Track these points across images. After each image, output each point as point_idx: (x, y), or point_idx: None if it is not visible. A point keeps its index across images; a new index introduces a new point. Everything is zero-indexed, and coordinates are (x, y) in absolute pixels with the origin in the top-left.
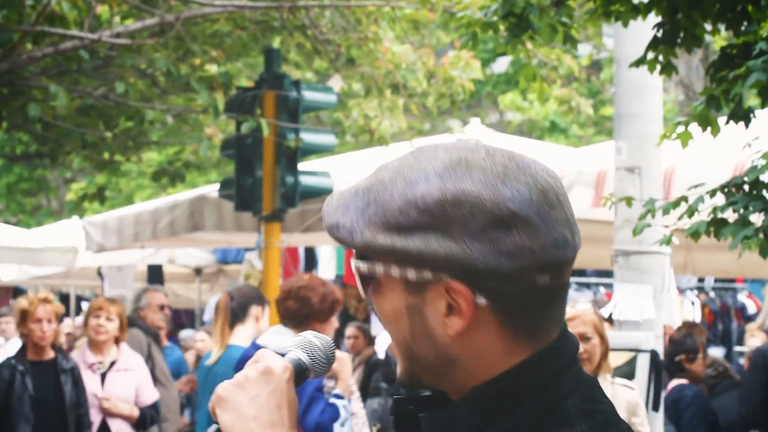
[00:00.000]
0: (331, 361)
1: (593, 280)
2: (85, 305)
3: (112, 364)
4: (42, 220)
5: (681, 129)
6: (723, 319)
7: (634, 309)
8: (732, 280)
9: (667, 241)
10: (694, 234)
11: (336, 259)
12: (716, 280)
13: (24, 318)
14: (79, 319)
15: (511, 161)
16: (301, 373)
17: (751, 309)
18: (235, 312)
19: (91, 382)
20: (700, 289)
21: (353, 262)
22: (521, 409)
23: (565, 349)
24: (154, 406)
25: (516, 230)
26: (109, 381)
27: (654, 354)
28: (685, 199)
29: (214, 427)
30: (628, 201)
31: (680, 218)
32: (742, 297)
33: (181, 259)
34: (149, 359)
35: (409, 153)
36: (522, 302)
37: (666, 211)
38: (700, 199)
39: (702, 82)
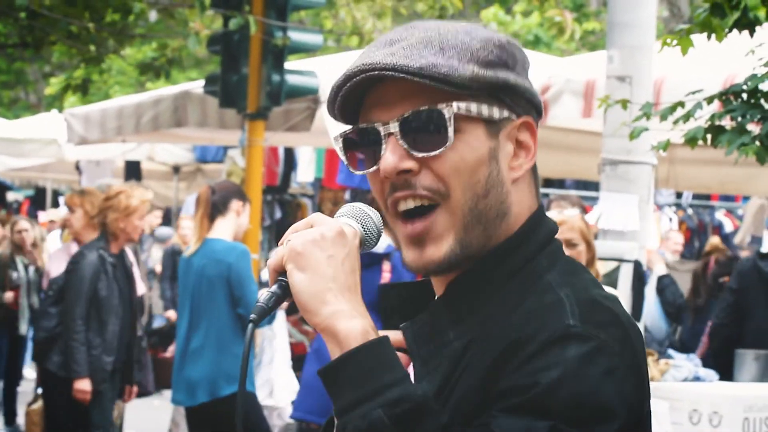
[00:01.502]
0: (380, 236)
1: (572, 192)
2: (61, 199)
3: None
4: (19, 113)
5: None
6: (699, 237)
7: (619, 219)
8: (708, 198)
9: (665, 146)
10: (691, 140)
11: (315, 161)
12: (694, 197)
13: (128, 212)
14: (55, 212)
15: None
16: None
17: (728, 227)
18: (216, 205)
19: None
20: (678, 206)
21: (443, 109)
22: (508, 287)
23: (547, 220)
24: (141, 299)
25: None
26: None
27: (638, 264)
28: (681, 104)
29: (280, 282)
30: (624, 104)
31: (676, 123)
32: (720, 215)
33: (160, 156)
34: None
35: (413, 25)
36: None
37: (663, 117)
38: (699, 105)
39: None
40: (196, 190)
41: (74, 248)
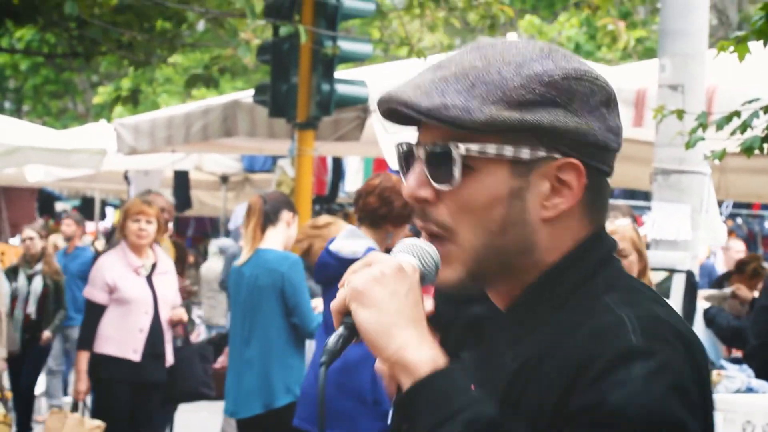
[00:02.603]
0: (439, 268)
1: (621, 202)
2: (109, 210)
3: (153, 266)
4: (67, 123)
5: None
6: (749, 246)
7: (671, 228)
8: (750, 206)
9: (721, 155)
10: (748, 149)
11: (363, 171)
12: (734, 206)
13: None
14: (103, 223)
15: None
16: None
17: None
18: (268, 214)
19: (138, 284)
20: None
21: (452, 147)
22: (565, 308)
23: (606, 239)
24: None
25: (616, 109)
26: (158, 285)
27: (690, 274)
28: (737, 114)
29: (343, 324)
30: (679, 114)
31: (733, 133)
32: None
33: (208, 166)
34: None
35: (475, 49)
36: (606, 184)
37: (720, 126)
38: (755, 114)
39: (735, 6)
40: (245, 199)
41: None
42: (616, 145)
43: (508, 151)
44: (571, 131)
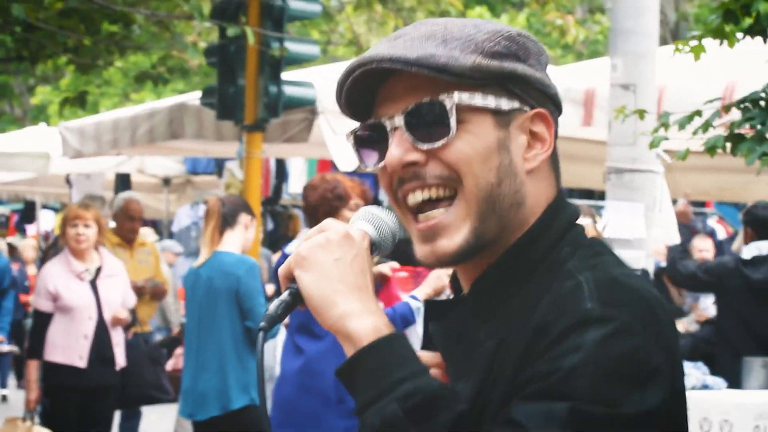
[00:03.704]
0: (396, 239)
1: (578, 201)
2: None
3: (98, 270)
4: (4, 126)
5: (694, 42)
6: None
7: (625, 227)
8: (702, 204)
9: (685, 155)
10: (711, 149)
11: (307, 172)
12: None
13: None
14: (43, 226)
15: None
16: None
17: (721, 234)
18: (226, 217)
19: (81, 290)
20: None
21: (444, 99)
22: (532, 280)
23: (569, 205)
24: (134, 310)
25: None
26: (102, 288)
27: (644, 273)
28: (699, 113)
29: (290, 289)
30: (641, 114)
31: (695, 133)
32: (712, 222)
33: (150, 168)
34: None
35: (423, 22)
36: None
37: (682, 126)
38: (717, 113)
39: (672, 5)
40: (186, 201)
41: None
42: (560, 105)
43: (491, 100)
44: (538, 81)
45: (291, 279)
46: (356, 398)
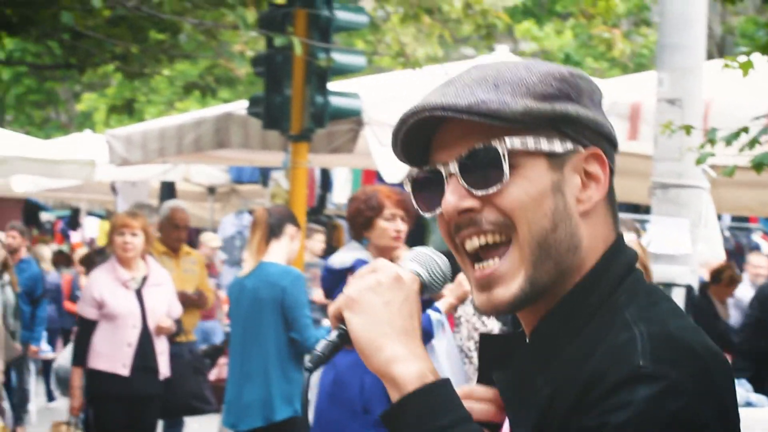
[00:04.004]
0: (447, 280)
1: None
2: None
3: (144, 279)
4: (51, 132)
5: (743, 58)
6: (737, 259)
7: (670, 242)
8: (746, 220)
9: (731, 172)
10: (758, 166)
11: (352, 182)
12: (732, 220)
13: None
14: (88, 233)
15: None
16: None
17: (766, 249)
18: (272, 228)
19: (126, 298)
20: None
21: (497, 145)
22: (589, 327)
23: (627, 249)
24: (179, 319)
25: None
26: (147, 297)
27: (689, 288)
28: (746, 129)
29: (337, 331)
30: (688, 129)
31: (742, 149)
32: (757, 237)
33: (196, 177)
34: None
35: (475, 67)
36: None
37: (728, 142)
38: (764, 130)
39: (718, 18)
40: (231, 210)
41: None
42: (616, 143)
43: (544, 144)
44: (591, 121)
45: (340, 319)
46: None
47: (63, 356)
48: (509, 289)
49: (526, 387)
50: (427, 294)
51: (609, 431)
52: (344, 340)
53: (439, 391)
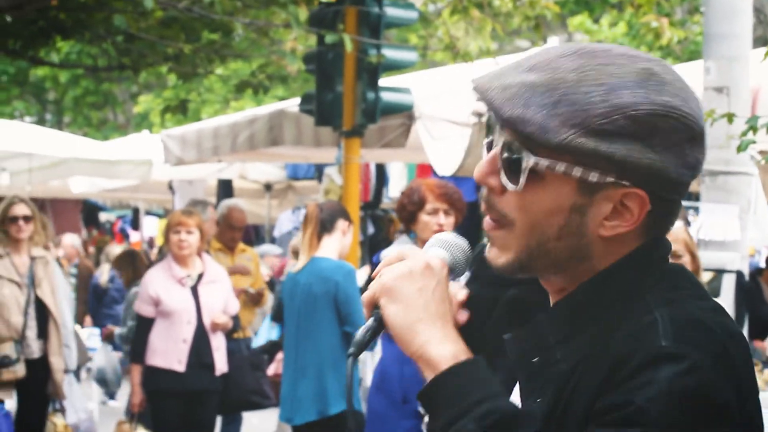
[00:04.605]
0: (468, 262)
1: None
2: (151, 220)
3: (200, 276)
4: (108, 133)
5: None
6: None
7: (719, 229)
8: None
9: None
10: None
11: (407, 176)
12: None
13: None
14: (147, 232)
15: (678, 74)
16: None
17: None
18: (324, 223)
19: (181, 295)
20: None
21: (523, 156)
22: (613, 309)
23: (663, 243)
24: (237, 316)
25: (699, 146)
26: (203, 294)
27: (740, 274)
28: None
29: (375, 315)
30: (730, 117)
31: None
32: None
33: (252, 174)
34: None
35: (575, 55)
36: (674, 207)
37: None
38: None
39: None
40: (288, 207)
41: None
42: (690, 178)
43: (577, 171)
44: (642, 167)
45: (374, 305)
46: (436, 421)
47: (98, 357)
48: (500, 258)
49: (542, 356)
50: (453, 277)
51: (634, 407)
52: (381, 325)
53: (472, 368)
